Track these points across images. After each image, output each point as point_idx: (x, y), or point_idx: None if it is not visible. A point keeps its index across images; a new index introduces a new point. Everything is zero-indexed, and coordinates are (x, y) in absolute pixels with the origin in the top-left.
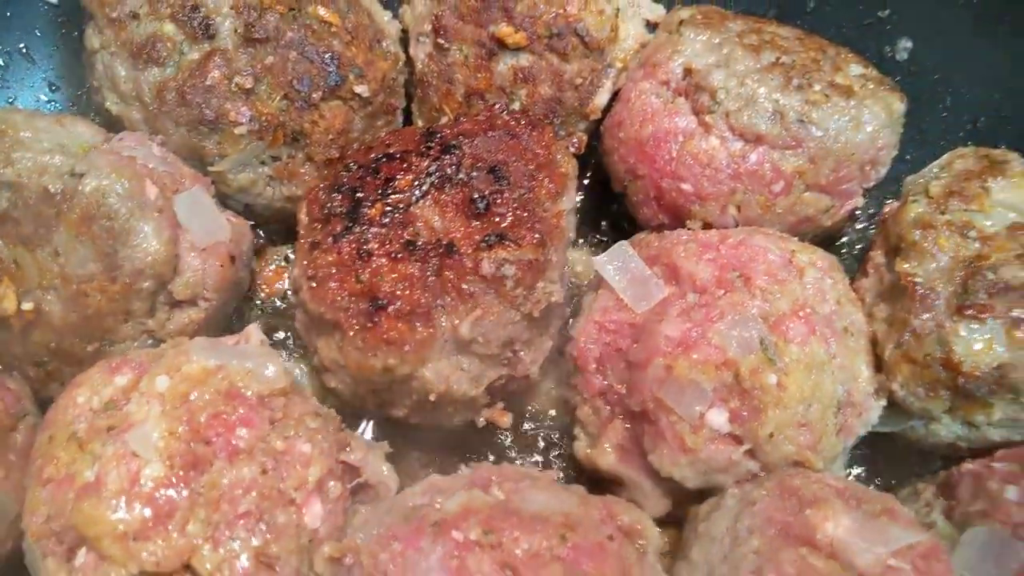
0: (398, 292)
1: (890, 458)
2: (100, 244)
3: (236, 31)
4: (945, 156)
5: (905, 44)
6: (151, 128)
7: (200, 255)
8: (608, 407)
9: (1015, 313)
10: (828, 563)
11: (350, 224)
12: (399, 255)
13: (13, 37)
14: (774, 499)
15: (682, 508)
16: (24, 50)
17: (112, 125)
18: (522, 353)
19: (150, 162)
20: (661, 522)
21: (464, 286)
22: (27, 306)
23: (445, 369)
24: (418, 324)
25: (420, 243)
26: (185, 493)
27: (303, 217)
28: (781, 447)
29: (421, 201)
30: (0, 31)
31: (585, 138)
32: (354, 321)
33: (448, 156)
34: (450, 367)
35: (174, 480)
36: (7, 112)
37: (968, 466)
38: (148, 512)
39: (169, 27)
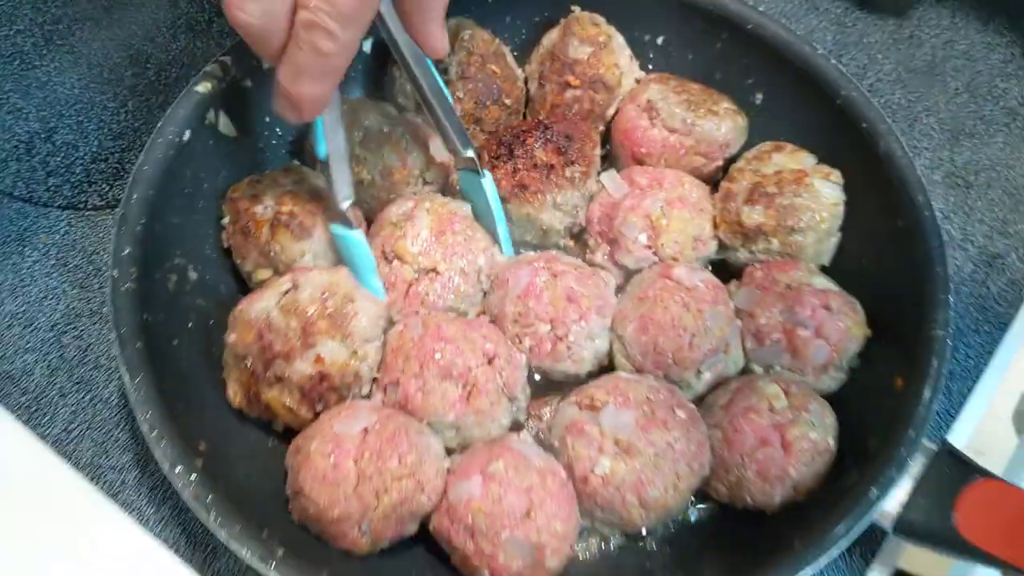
0: (530, 184)
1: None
2: (400, 151)
3: (457, 71)
4: (758, 145)
5: (759, 96)
6: None
7: (436, 166)
8: (601, 238)
9: (767, 203)
10: (673, 283)
11: (507, 159)
12: (528, 170)
13: None
14: (658, 267)
15: (627, 281)
16: None
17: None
18: (580, 212)
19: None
20: (619, 288)
21: (556, 181)
22: (367, 177)
23: (551, 216)
24: (537, 197)
25: (537, 164)
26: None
27: (484, 155)
28: (667, 251)
29: (536, 149)
30: None
31: (602, 128)
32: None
33: (547, 131)
34: (552, 216)
35: (433, 240)
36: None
37: (747, 268)
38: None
39: None
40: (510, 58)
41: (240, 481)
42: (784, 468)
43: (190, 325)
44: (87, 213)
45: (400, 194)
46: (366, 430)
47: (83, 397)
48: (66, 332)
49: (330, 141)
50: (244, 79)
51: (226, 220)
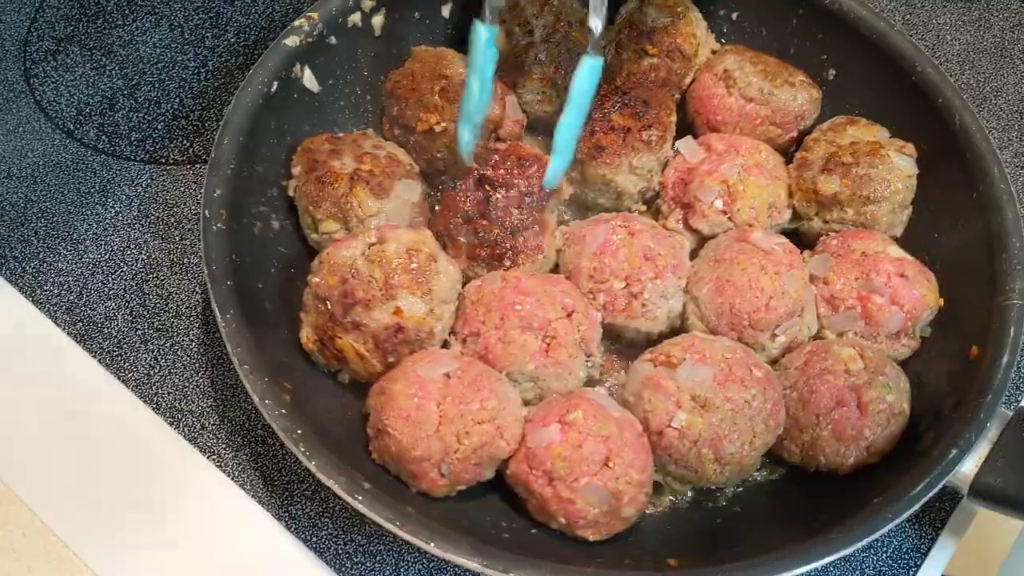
0: (607, 145)
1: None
2: None
3: (542, 34)
4: (832, 118)
5: (832, 72)
6: None
7: (511, 123)
8: (675, 203)
9: (842, 172)
10: (751, 246)
11: (584, 122)
12: (605, 132)
13: None
14: (734, 232)
15: (701, 245)
16: None
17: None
18: (655, 176)
19: None
20: (693, 253)
21: (633, 144)
22: (444, 124)
23: (625, 179)
24: (613, 159)
25: (614, 127)
26: None
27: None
28: (742, 216)
29: (613, 113)
30: None
31: (678, 97)
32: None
33: (625, 96)
34: (627, 179)
35: None
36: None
37: (822, 238)
38: None
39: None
40: None
41: (323, 420)
42: (859, 429)
43: (272, 271)
44: (168, 167)
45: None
46: (448, 375)
47: (164, 344)
48: (148, 281)
49: None
50: (329, 36)
51: (297, 169)
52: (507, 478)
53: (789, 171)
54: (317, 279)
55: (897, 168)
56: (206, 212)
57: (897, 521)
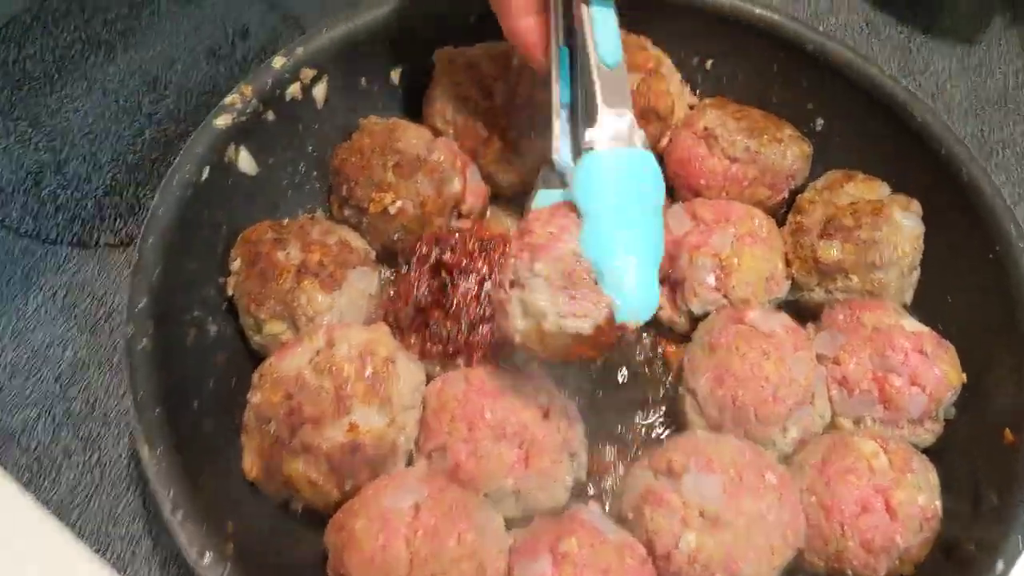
0: None
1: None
2: (435, 183)
3: (504, 97)
4: (826, 174)
5: (820, 122)
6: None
7: (473, 196)
8: (661, 281)
9: (844, 237)
10: (748, 328)
11: None
12: None
13: None
14: (728, 311)
15: (693, 327)
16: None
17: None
18: None
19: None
20: (684, 337)
21: None
22: (399, 204)
23: None
24: None
25: None
26: None
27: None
28: (738, 293)
29: None
30: None
31: None
32: None
33: None
34: None
35: None
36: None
37: (825, 310)
38: None
39: None
40: None
41: (273, 562)
42: (890, 537)
43: (211, 384)
44: (98, 251)
45: (431, 224)
46: (418, 505)
47: (90, 457)
48: (72, 384)
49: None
50: (266, 111)
51: (236, 264)
52: None
53: (784, 237)
54: (258, 397)
55: (903, 229)
56: (129, 328)
57: None
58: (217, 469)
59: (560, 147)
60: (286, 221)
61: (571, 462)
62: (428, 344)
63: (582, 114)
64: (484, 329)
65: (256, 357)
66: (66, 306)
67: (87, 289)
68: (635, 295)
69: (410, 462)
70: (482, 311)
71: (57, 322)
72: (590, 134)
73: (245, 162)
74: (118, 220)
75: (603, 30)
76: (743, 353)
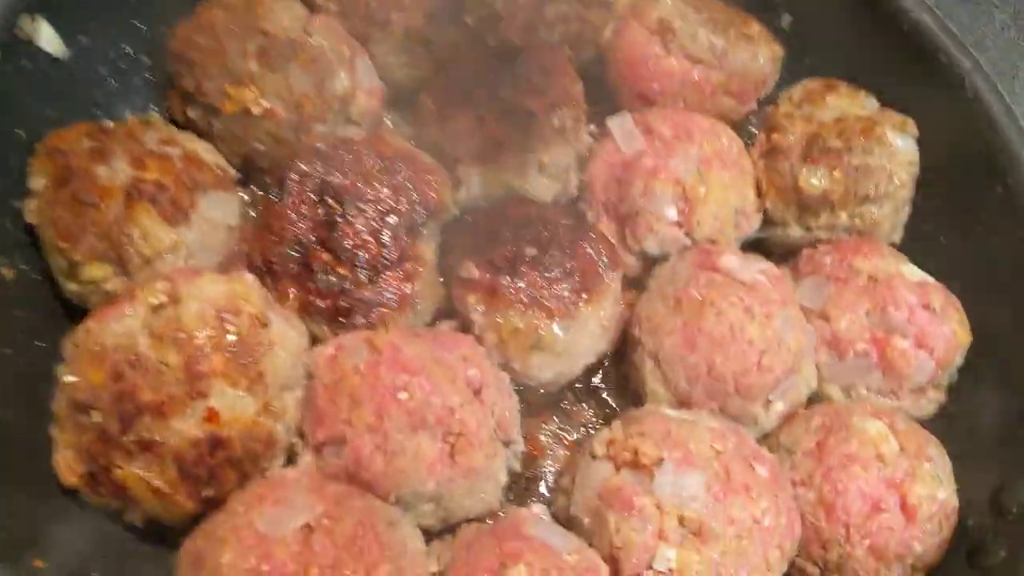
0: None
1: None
2: (316, 76)
3: None
4: (802, 81)
5: (787, 18)
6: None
7: (365, 96)
8: (607, 213)
9: (833, 164)
10: (723, 277)
11: (462, 104)
12: (498, 118)
13: None
14: (695, 253)
15: (647, 272)
16: None
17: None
18: (571, 176)
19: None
20: (634, 282)
21: (541, 132)
22: (265, 103)
23: (534, 184)
24: (515, 157)
25: (510, 109)
26: None
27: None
28: (703, 230)
29: (504, 88)
30: None
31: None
32: None
33: (513, 61)
34: (535, 183)
35: None
36: None
37: (805, 251)
38: None
39: None
40: None
41: None
42: (906, 542)
43: (8, 352)
44: None
45: (310, 133)
46: (309, 527)
47: None
48: None
49: None
50: None
51: (39, 182)
52: None
53: (753, 159)
54: (72, 377)
55: (898, 153)
56: None
57: None
58: (19, 477)
59: None
60: (110, 125)
61: (506, 451)
62: (312, 297)
63: None
64: (389, 277)
65: (73, 311)
66: None
67: None
68: None
69: (291, 459)
70: (386, 253)
71: None
72: None
73: (48, 40)
74: None
75: None
76: (720, 309)
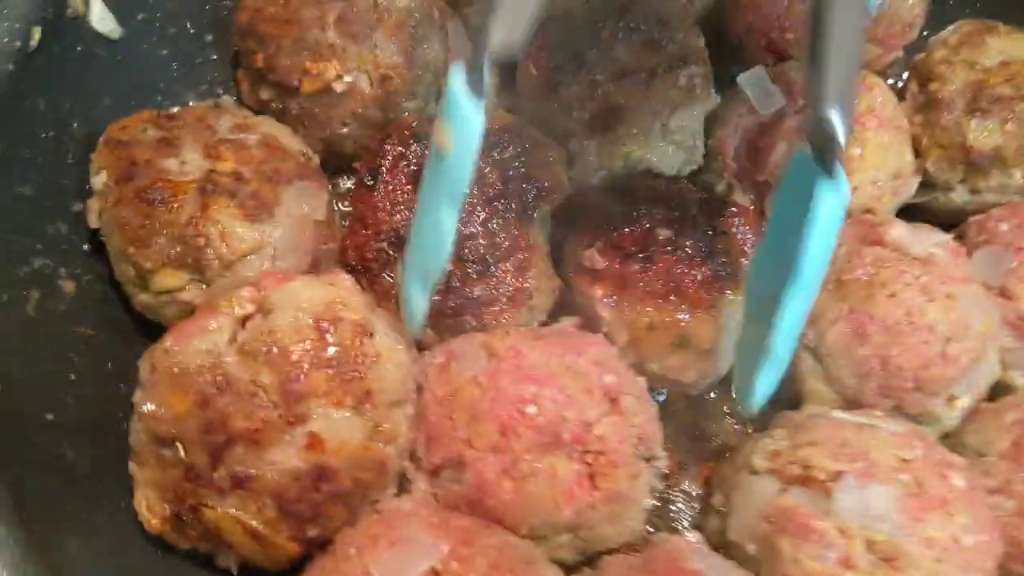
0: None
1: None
2: (404, 44)
3: None
4: (956, 23)
5: None
6: None
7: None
8: (742, 181)
9: (1005, 114)
10: (892, 252)
11: (575, 70)
12: (614, 81)
13: None
14: (854, 226)
15: None
16: None
17: None
18: (698, 142)
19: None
20: None
21: (664, 93)
22: (348, 79)
23: (659, 152)
24: (637, 122)
25: (626, 70)
26: None
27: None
28: (860, 197)
29: (618, 47)
30: None
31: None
32: None
33: (626, 16)
34: (660, 151)
35: None
36: None
37: (974, 218)
38: None
39: None
40: None
41: None
42: None
43: (72, 377)
44: None
45: (400, 110)
46: (436, 573)
47: None
48: None
49: None
50: None
51: (101, 179)
52: None
53: (907, 115)
54: (152, 406)
55: None
56: None
57: None
58: (92, 526)
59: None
60: (175, 110)
61: (649, 469)
62: None
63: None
64: (500, 270)
65: (146, 327)
66: None
67: None
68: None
69: (403, 485)
70: (496, 242)
71: None
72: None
73: (101, 17)
74: None
75: None
76: (892, 291)
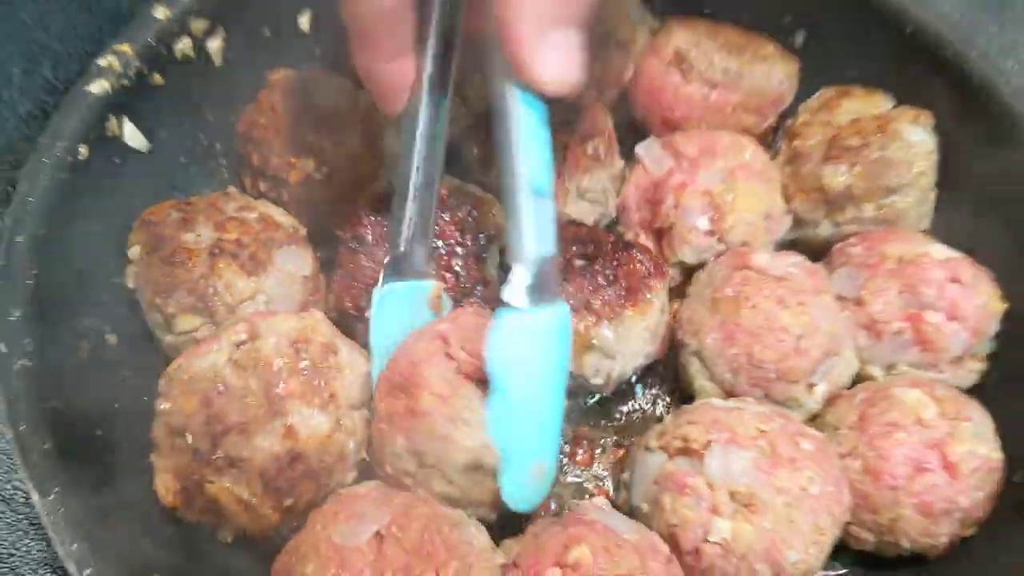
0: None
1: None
2: (367, 137)
3: None
4: (818, 92)
5: (801, 35)
6: None
7: None
8: (644, 229)
9: (853, 160)
10: (756, 274)
11: None
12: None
13: None
14: (729, 256)
15: (688, 282)
16: None
17: None
18: (609, 199)
19: None
20: (678, 292)
21: (577, 161)
22: (325, 169)
23: (576, 208)
24: (558, 185)
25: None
26: None
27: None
28: (736, 235)
29: None
30: None
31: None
32: None
33: None
34: (578, 208)
35: None
36: None
37: (836, 245)
38: None
39: None
40: None
41: None
42: (951, 498)
43: (116, 404)
44: None
45: (367, 191)
46: (380, 535)
47: None
48: None
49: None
50: (151, 73)
51: (135, 251)
52: None
53: (779, 168)
54: (167, 405)
55: (915, 145)
56: (1, 347)
57: None
58: (138, 508)
59: (408, 235)
60: (193, 198)
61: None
62: None
63: (513, 244)
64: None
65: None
66: None
67: None
68: (535, 489)
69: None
70: (463, 281)
71: None
72: (510, 291)
73: (132, 135)
74: None
75: (534, 147)
76: (754, 303)
